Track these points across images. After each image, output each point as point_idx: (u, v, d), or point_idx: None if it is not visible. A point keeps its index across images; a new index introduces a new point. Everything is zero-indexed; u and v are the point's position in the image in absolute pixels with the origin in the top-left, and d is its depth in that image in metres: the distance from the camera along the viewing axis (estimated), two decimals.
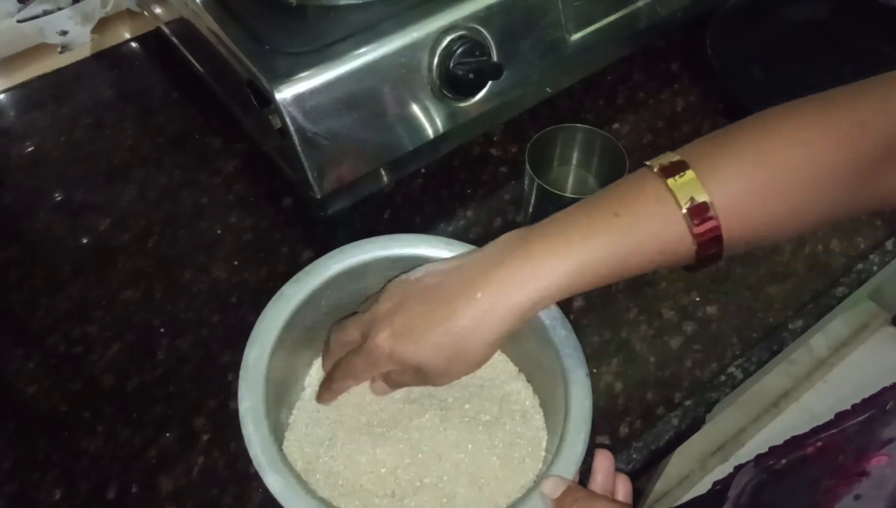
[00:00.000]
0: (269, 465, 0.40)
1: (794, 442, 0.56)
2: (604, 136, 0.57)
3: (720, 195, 0.37)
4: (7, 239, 0.64)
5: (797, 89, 0.76)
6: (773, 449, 0.58)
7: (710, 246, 0.38)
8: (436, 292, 0.42)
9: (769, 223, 0.39)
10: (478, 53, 0.56)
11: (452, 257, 0.45)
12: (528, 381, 0.50)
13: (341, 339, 0.47)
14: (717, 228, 0.37)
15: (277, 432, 0.46)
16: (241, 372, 0.43)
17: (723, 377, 0.57)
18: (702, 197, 0.37)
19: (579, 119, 0.69)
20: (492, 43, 0.58)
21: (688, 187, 0.37)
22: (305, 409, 0.49)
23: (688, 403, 0.56)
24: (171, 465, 0.52)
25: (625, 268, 0.39)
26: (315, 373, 0.51)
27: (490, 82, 0.59)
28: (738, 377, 0.57)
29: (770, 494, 0.53)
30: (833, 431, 0.52)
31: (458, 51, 0.56)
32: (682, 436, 0.55)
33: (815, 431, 0.55)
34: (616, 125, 0.72)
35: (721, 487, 0.60)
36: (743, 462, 0.59)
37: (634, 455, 0.54)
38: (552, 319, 0.46)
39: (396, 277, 0.46)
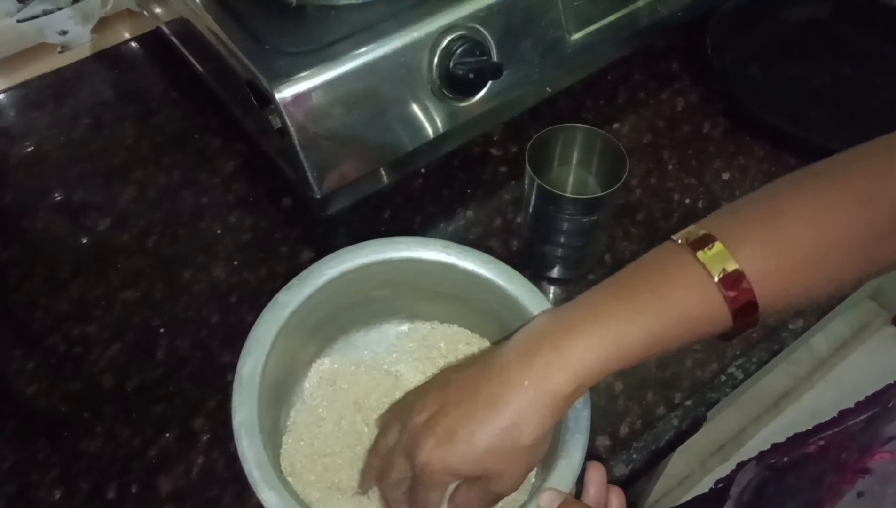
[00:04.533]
0: (264, 481, 0.39)
1: (797, 440, 0.57)
2: (604, 136, 0.57)
3: (749, 266, 0.37)
4: (7, 239, 0.64)
5: (797, 89, 0.76)
6: (775, 447, 0.58)
7: (745, 313, 0.38)
8: (473, 389, 0.39)
9: (797, 290, 0.39)
10: (478, 53, 0.56)
11: (479, 354, 0.43)
12: None
13: (390, 482, 0.42)
14: (751, 291, 0.37)
15: (275, 435, 0.45)
16: (235, 384, 0.42)
17: (723, 377, 0.57)
18: (733, 267, 0.37)
19: (579, 119, 0.69)
20: (492, 43, 0.58)
21: (718, 259, 0.37)
22: (304, 411, 0.49)
23: (688, 403, 0.56)
24: (171, 465, 0.52)
25: (662, 344, 0.38)
26: (314, 374, 0.50)
27: (490, 82, 0.59)
28: (738, 377, 0.57)
29: (773, 491, 0.53)
30: (836, 429, 0.53)
31: (458, 51, 0.56)
32: (682, 436, 0.55)
33: (818, 429, 0.55)
34: (616, 125, 0.72)
35: (723, 485, 0.60)
36: (745, 459, 0.60)
37: (634, 455, 0.54)
38: None
39: (418, 388, 0.44)
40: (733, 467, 0.61)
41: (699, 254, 0.38)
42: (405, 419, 0.41)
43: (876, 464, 0.43)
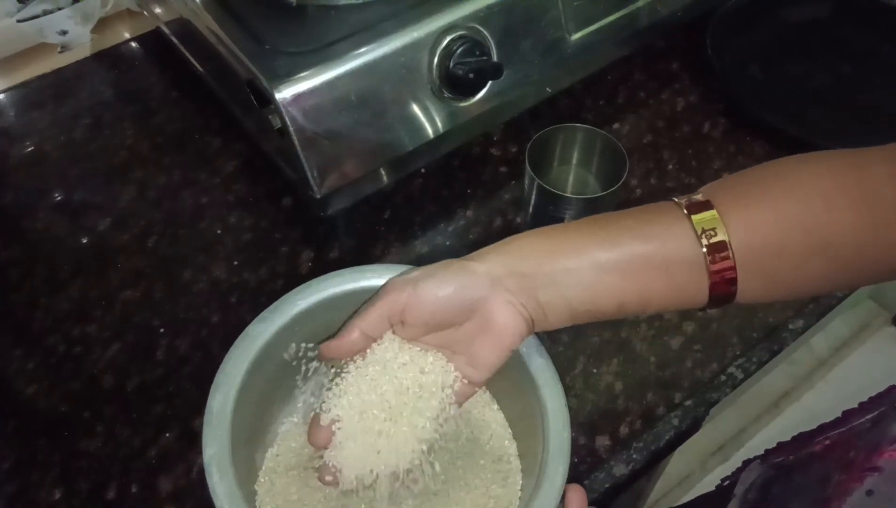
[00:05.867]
0: None
1: (802, 439, 0.57)
2: (604, 136, 0.57)
3: (737, 239, 0.38)
4: (7, 239, 0.64)
5: (797, 89, 0.76)
6: (781, 445, 0.58)
7: (721, 286, 0.38)
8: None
9: (780, 276, 0.39)
10: (478, 53, 0.56)
11: None
12: (502, 411, 0.49)
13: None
14: (732, 268, 0.38)
15: (251, 473, 0.45)
16: (206, 418, 0.41)
17: (723, 377, 0.57)
18: (721, 236, 0.38)
19: (579, 119, 0.69)
20: (492, 43, 0.58)
21: (709, 224, 0.38)
22: (280, 453, 0.48)
23: (688, 403, 0.56)
24: (171, 465, 0.52)
25: (632, 286, 0.39)
26: (293, 412, 0.49)
27: (490, 82, 0.59)
28: (738, 377, 0.57)
29: (779, 489, 0.53)
30: (842, 429, 0.53)
31: (458, 51, 0.56)
32: (682, 436, 0.55)
33: (823, 428, 0.55)
34: (616, 125, 0.72)
35: (728, 483, 0.60)
36: (750, 457, 0.60)
37: (634, 455, 0.54)
38: (528, 347, 0.44)
39: None
40: (738, 465, 0.61)
41: (694, 217, 0.38)
42: None
43: (885, 462, 0.43)
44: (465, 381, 0.42)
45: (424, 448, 0.41)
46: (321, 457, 0.42)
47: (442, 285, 0.39)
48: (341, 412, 0.41)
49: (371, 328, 0.41)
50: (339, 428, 0.41)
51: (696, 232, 0.38)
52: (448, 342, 0.42)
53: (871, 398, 0.53)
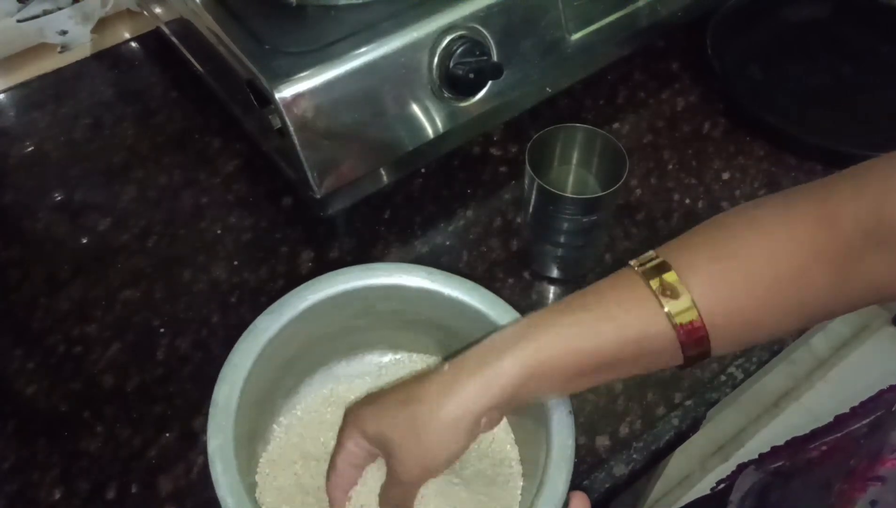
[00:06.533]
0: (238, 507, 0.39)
1: (796, 444, 0.56)
2: (604, 136, 0.57)
3: (699, 295, 0.36)
4: (7, 239, 0.64)
5: (797, 89, 0.76)
6: (774, 449, 0.58)
7: (694, 347, 0.37)
8: (408, 382, 0.41)
9: (752, 322, 0.38)
10: (478, 53, 0.56)
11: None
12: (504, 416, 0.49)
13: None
14: (702, 328, 0.36)
15: (251, 464, 0.45)
16: (211, 409, 0.41)
17: (723, 377, 0.57)
18: (686, 302, 0.36)
19: (579, 119, 0.69)
20: (492, 43, 0.58)
21: (678, 306, 0.36)
22: (281, 446, 0.48)
23: (688, 403, 0.56)
24: (171, 465, 0.52)
25: (595, 362, 0.37)
26: (292, 409, 0.49)
27: (490, 82, 0.59)
28: (738, 377, 0.57)
29: (777, 496, 0.53)
30: (837, 434, 0.52)
31: (458, 51, 0.56)
32: (682, 436, 0.55)
33: (817, 434, 0.55)
34: (616, 125, 0.72)
35: (723, 487, 0.60)
36: (745, 460, 0.60)
37: (634, 455, 0.54)
38: None
39: None
40: (733, 468, 0.61)
41: (652, 282, 0.37)
42: None
43: (888, 472, 0.43)
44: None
45: None
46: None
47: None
48: None
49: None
50: None
51: (670, 321, 0.36)
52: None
53: (862, 403, 0.53)
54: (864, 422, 0.51)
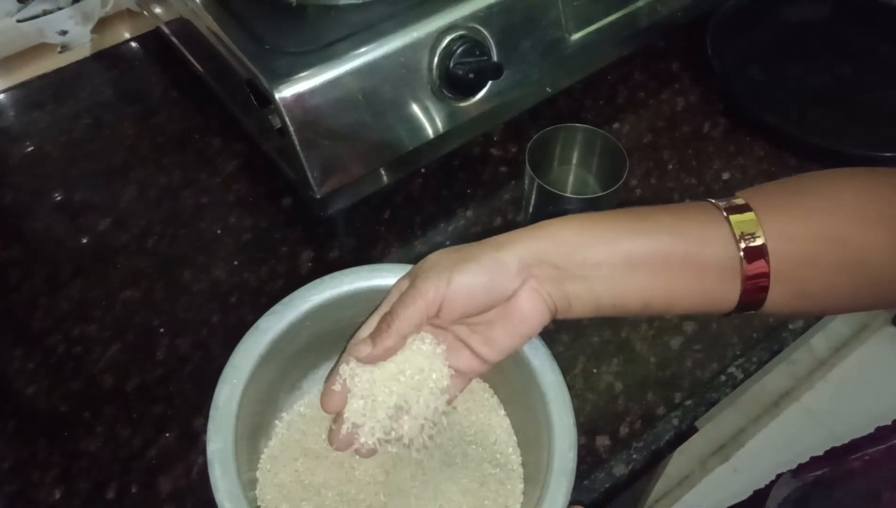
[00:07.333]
0: None
1: (836, 454, 0.56)
2: (604, 136, 0.57)
3: (774, 247, 0.37)
4: (7, 239, 0.64)
5: (797, 89, 0.76)
6: (814, 459, 0.57)
7: (752, 292, 0.38)
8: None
9: (809, 288, 0.39)
10: (478, 53, 0.56)
11: None
12: (508, 417, 0.49)
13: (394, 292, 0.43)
14: (766, 275, 0.37)
15: (252, 460, 0.45)
16: (212, 412, 0.41)
17: (723, 377, 0.57)
18: (760, 240, 0.37)
19: (579, 119, 0.69)
20: (492, 43, 0.58)
21: (748, 227, 0.37)
22: (282, 444, 0.47)
23: (688, 403, 0.56)
24: (171, 465, 0.52)
25: (665, 284, 0.38)
26: (293, 407, 0.49)
27: (490, 82, 0.59)
28: (738, 377, 0.57)
29: (817, 505, 0.53)
30: (881, 446, 0.52)
31: (458, 51, 0.56)
32: (682, 436, 0.55)
33: (857, 444, 0.54)
34: (616, 125, 0.72)
35: (756, 493, 0.60)
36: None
37: (634, 455, 0.54)
38: (541, 361, 0.44)
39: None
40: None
41: (732, 217, 0.38)
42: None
43: None
44: (477, 359, 0.42)
45: (443, 401, 0.42)
46: (327, 437, 0.43)
47: (475, 282, 0.39)
48: (356, 372, 0.42)
49: (411, 329, 0.41)
50: (354, 385, 0.42)
51: (734, 235, 0.37)
52: (467, 322, 0.41)
53: None
54: None
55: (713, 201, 0.39)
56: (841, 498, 0.52)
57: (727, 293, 0.38)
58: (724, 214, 0.38)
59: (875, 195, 0.38)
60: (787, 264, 0.37)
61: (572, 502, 0.40)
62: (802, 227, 0.38)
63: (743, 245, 0.37)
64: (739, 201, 0.39)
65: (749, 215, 0.38)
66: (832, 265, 0.38)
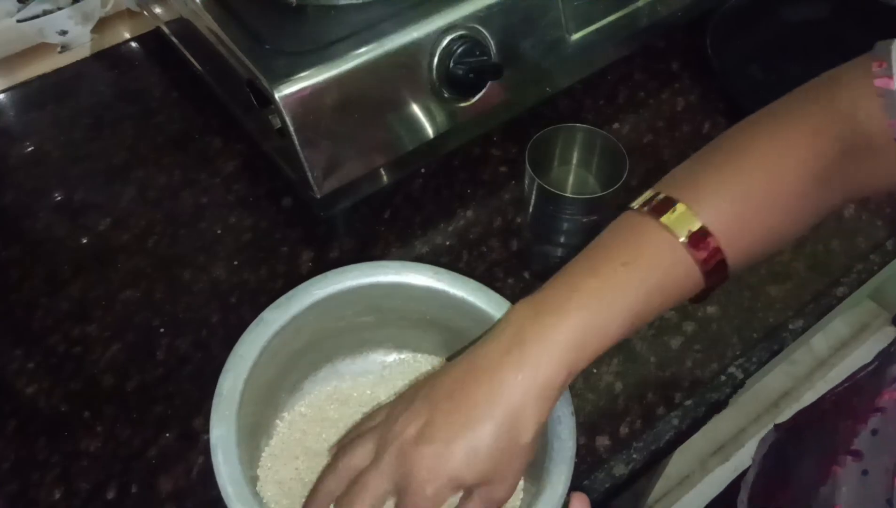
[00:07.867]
0: (237, 497, 0.39)
1: (812, 406, 0.58)
2: (604, 136, 0.57)
3: (713, 222, 0.39)
4: (7, 239, 0.64)
5: None
6: (793, 416, 0.59)
7: (715, 273, 0.39)
8: (463, 393, 0.38)
9: (761, 240, 0.41)
10: (478, 53, 0.56)
11: (452, 361, 0.40)
12: None
13: (349, 463, 0.40)
14: (719, 250, 0.39)
15: (253, 458, 0.45)
16: (215, 399, 0.41)
17: (723, 377, 0.57)
18: (697, 225, 0.38)
19: (579, 119, 0.69)
20: (492, 43, 0.58)
21: (682, 221, 0.39)
22: (283, 441, 0.48)
23: (688, 403, 0.56)
24: (171, 465, 0.52)
25: (642, 317, 0.39)
26: (295, 405, 0.49)
27: (490, 82, 0.59)
28: (738, 377, 0.57)
29: (792, 446, 0.55)
30: (846, 384, 0.53)
31: (458, 51, 0.56)
32: (682, 436, 0.55)
33: (831, 390, 0.56)
34: (616, 125, 0.72)
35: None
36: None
37: (634, 455, 0.54)
38: None
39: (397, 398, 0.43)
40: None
41: (663, 219, 0.39)
42: (384, 435, 0.39)
43: (887, 402, 0.44)
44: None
45: None
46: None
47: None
48: None
49: None
50: None
51: (676, 236, 0.38)
52: None
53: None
54: (868, 370, 0.52)
55: (637, 208, 0.40)
56: (810, 438, 0.53)
57: (693, 282, 0.40)
58: (657, 220, 0.39)
59: (793, 151, 0.41)
60: (730, 229, 0.39)
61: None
62: (728, 193, 0.40)
63: (684, 240, 0.38)
64: (661, 197, 0.40)
65: (680, 208, 0.39)
66: (766, 210, 0.40)
